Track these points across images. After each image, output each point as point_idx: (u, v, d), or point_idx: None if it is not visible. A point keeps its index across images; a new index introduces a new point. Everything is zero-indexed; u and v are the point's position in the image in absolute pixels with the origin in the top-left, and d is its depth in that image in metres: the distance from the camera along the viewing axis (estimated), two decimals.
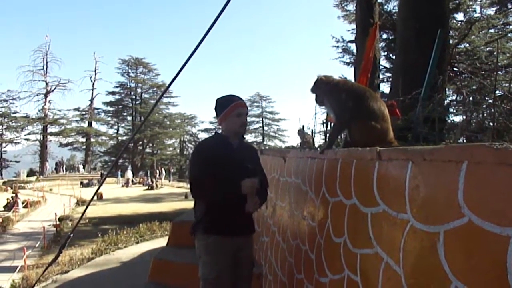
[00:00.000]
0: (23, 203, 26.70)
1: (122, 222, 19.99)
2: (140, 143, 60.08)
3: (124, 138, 61.32)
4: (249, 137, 62.87)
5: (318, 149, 3.30)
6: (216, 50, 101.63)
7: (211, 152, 3.27)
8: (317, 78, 3.29)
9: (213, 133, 3.62)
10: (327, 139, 3.77)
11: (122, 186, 40.95)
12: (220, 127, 3.50)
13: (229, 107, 3.35)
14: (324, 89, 3.21)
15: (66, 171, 52.84)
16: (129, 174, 43.58)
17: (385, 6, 18.56)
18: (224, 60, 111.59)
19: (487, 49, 17.59)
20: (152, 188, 38.03)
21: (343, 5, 20.99)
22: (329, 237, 2.75)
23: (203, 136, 56.21)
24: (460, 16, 18.89)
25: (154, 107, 6.05)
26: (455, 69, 15.41)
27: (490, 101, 6.62)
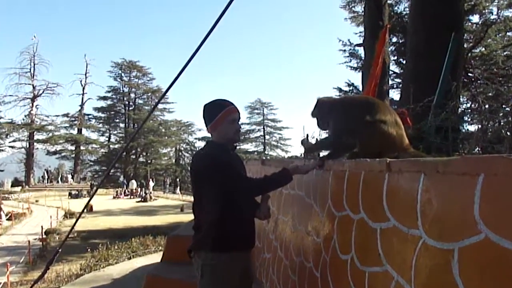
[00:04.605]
0: (6, 215, 26.67)
1: (113, 236, 19.98)
2: (133, 151, 60.05)
3: (116, 146, 61.31)
4: (249, 146, 62.96)
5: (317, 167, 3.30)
6: (215, 54, 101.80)
7: (231, 162, 3.26)
8: (318, 100, 3.29)
9: (207, 142, 3.51)
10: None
11: (114, 197, 40.94)
12: (210, 135, 3.39)
13: (220, 113, 3.24)
14: (327, 110, 3.20)
15: (53, 181, 52.82)
16: (133, 184, 44.14)
17: (395, 8, 18.64)
18: (223, 65, 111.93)
19: (505, 53, 17.59)
20: (145, 200, 38.01)
21: (350, 6, 21.09)
22: (335, 254, 2.74)
23: (200, 144, 56.12)
24: (475, 18, 18.91)
25: (150, 114, 6.05)
26: (470, 74, 15.44)
27: (508, 109, 6.63)
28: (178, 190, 47.08)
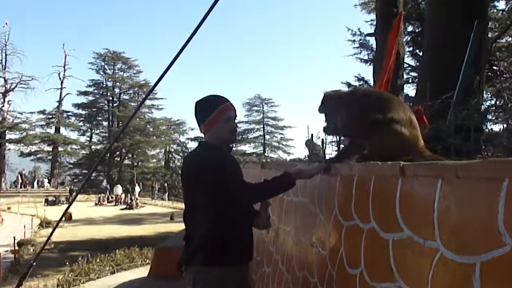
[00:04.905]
0: None
1: (94, 248, 20.02)
2: (118, 153, 60.04)
3: (98, 147, 61.28)
4: (247, 148, 62.97)
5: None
6: (209, 47, 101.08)
7: (226, 165, 3.25)
8: (324, 94, 3.30)
9: (200, 143, 3.50)
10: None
11: (96, 204, 40.94)
12: (203, 135, 3.39)
13: (215, 111, 3.24)
14: (334, 106, 3.21)
15: (28, 185, 52.74)
16: (118, 189, 44.11)
17: None
18: (219, 57, 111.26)
19: None
20: (131, 207, 38.02)
21: None
22: (343, 268, 2.75)
23: (193, 145, 56.07)
24: (501, 4, 18.85)
25: (136, 110, 6.06)
26: (494, 68, 15.41)
27: None
28: (166, 196, 47.10)
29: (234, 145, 3.67)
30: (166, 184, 52.40)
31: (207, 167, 3.09)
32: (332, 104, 3.24)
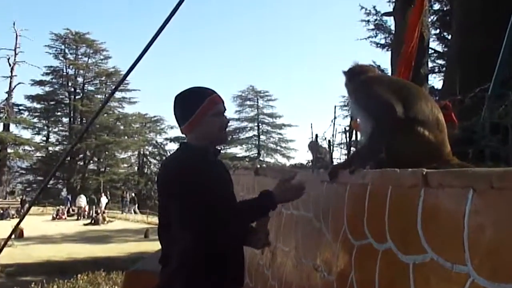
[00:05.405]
0: None
1: (51, 272, 19.92)
2: (81, 156, 59.88)
3: (57, 148, 61.07)
4: (238, 150, 62.96)
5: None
6: (191, 28, 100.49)
7: (210, 172, 3.20)
8: (351, 66, 3.34)
9: (181, 144, 3.44)
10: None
11: (53, 218, 40.81)
12: (185, 136, 3.32)
13: (200, 107, 3.15)
14: (351, 89, 3.24)
15: None
16: (82, 200, 43.83)
17: None
18: (203, 42, 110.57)
19: None
20: (96, 222, 37.91)
21: None
22: None
23: (173, 147, 55.96)
24: None
25: (104, 104, 6.08)
26: None
27: None
28: (136, 208, 46.52)
29: (222, 147, 3.65)
30: (133, 194, 51.01)
31: (185, 169, 3.03)
32: (349, 86, 3.29)
